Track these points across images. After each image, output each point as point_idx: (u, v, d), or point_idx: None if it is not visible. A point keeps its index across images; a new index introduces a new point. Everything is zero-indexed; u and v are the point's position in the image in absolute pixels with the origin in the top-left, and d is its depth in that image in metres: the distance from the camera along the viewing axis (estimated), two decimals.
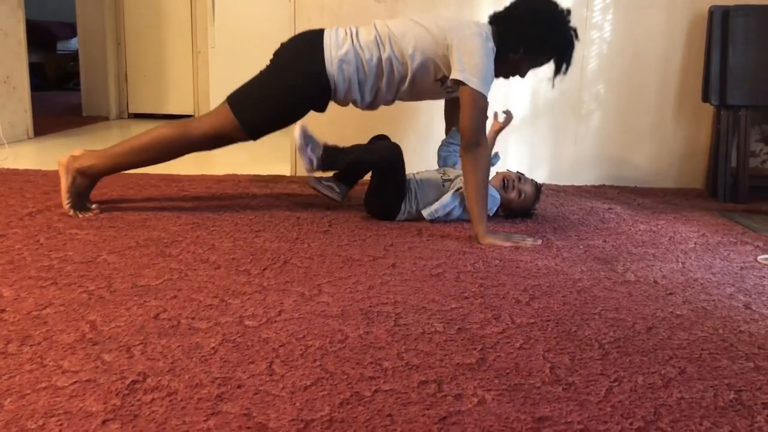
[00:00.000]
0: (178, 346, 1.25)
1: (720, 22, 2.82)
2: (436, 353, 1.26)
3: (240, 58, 4.78)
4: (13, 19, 3.65)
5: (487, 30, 2.13)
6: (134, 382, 1.11)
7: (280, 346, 1.26)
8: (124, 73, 5.10)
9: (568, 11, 2.16)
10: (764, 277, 1.80)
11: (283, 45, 2.25)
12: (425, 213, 2.23)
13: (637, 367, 1.23)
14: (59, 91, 7.02)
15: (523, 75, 2.25)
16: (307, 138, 2.17)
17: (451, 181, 2.26)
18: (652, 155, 3.03)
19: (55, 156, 2.21)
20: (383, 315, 1.43)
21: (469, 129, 2.04)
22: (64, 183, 2.15)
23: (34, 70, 5.06)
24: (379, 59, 2.13)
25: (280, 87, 2.16)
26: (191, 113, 5.11)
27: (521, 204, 2.33)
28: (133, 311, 1.41)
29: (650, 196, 2.83)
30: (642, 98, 3.00)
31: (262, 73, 2.21)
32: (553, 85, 2.21)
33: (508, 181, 2.31)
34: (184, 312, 1.41)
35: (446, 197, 2.22)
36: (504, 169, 2.46)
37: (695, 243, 2.12)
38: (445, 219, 2.25)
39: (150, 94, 5.11)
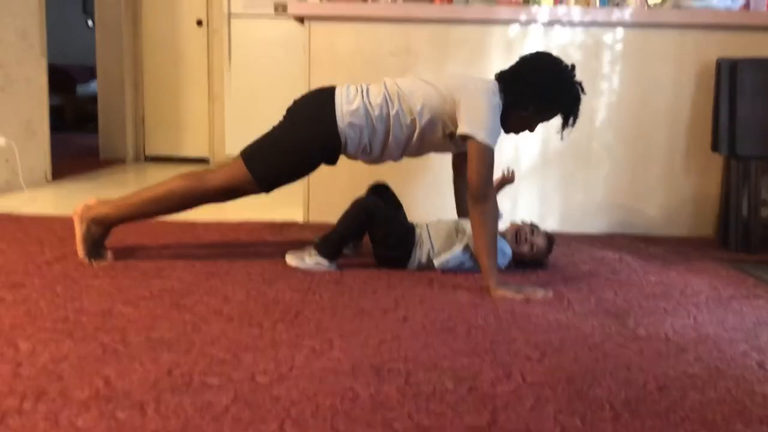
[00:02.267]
0: (191, 403, 1.26)
1: (728, 74, 2.86)
2: (446, 413, 1.26)
3: (255, 104, 4.89)
4: (37, 67, 3.76)
5: (494, 86, 2.18)
6: None
7: (291, 404, 1.27)
8: (142, 116, 5.21)
9: (573, 66, 2.21)
10: None
11: (296, 102, 2.32)
12: (436, 263, 2.24)
13: (649, 430, 1.23)
14: (77, 132, 7.15)
15: (532, 130, 2.30)
16: (299, 259, 2.24)
17: (464, 231, 2.28)
18: (663, 204, 3.04)
19: (73, 200, 2.26)
20: (394, 372, 1.44)
21: (477, 183, 2.08)
22: (79, 232, 2.19)
23: (54, 112, 5.17)
24: (388, 115, 2.19)
25: (292, 143, 2.22)
26: (206, 157, 5.19)
27: (533, 256, 2.34)
28: (147, 366, 1.42)
29: (661, 245, 2.83)
30: (651, 147, 3.02)
31: (275, 128, 2.27)
32: (561, 138, 2.25)
33: (521, 234, 2.33)
34: (197, 367, 1.43)
35: (456, 250, 2.24)
36: (517, 219, 2.48)
37: (707, 296, 2.12)
38: (456, 270, 2.26)
39: (166, 137, 5.21)
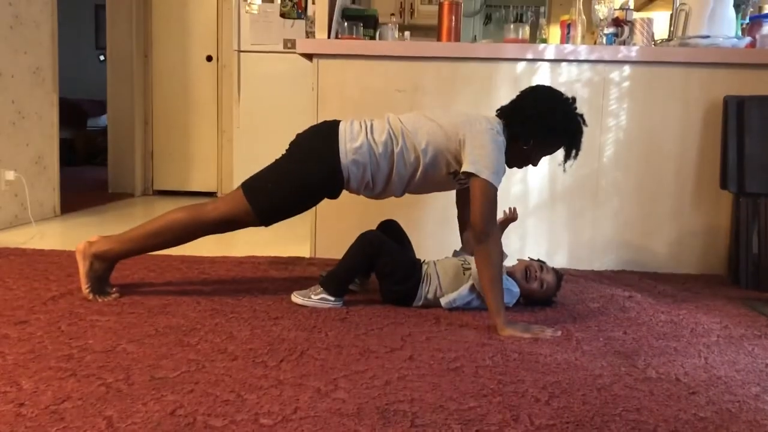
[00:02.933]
0: None
1: (735, 111, 2.86)
2: None
3: (264, 138, 4.92)
4: (48, 102, 3.81)
5: (498, 125, 2.19)
6: None
7: None
8: (151, 150, 5.25)
9: (573, 99, 2.22)
10: None
11: (299, 135, 2.32)
12: (443, 302, 2.22)
13: None
14: (87, 165, 7.22)
15: (535, 164, 2.30)
16: (304, 296, 2.23)
17: (471, 269, 2.26)
18: (672, 241, 3.02)
19: (81, 234, 2.27)
20: (400, 414, 1.42)
21: (480, 221, 2.06)
22: (82, 268, 2.19)
23: (64, 145, 5.23)
24: (392, 152, 2.19)
25: (294, 177, 2.22)
26: (215, 191, 5.22)
27: (543, 294, 2.32)
28: (150, 406, 1.41)
29: (671, 283, 2.80)
30: (660, 184, 3.01)
31: (277, 161, 2.28)
32: (564, 170, 2.25)
33: (531, 271, 2.31)
34: (200, 408, 1.41)
35: (463, 289, 2.22)
36: (525, 257, 2.47)
37: (718, 336, 2.09)
38: (463, 308, 2.24)
39: (175, 171, 5.25)
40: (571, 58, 2.96)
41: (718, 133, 2.95)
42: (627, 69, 2.97)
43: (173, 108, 5.23)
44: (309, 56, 3.06)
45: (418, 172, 2.22)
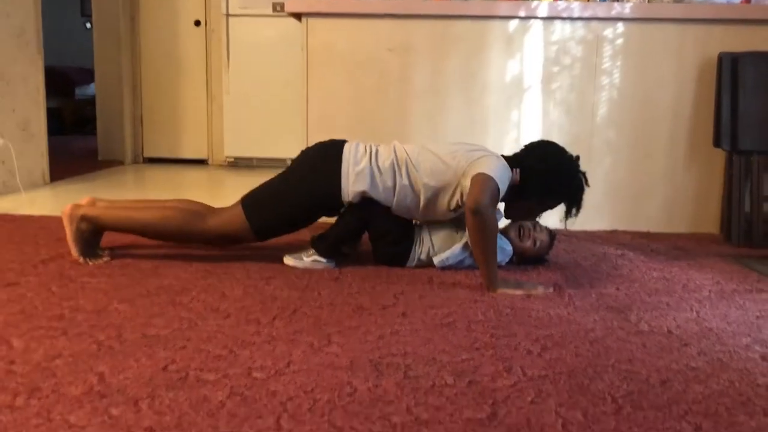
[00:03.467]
0: (186, 399, 1.24)
1: (729, 68, 2.84)
2: (446, 407, 1.24)
3: (254, 103, 4.87)
4: (33, 66, 3.74)
5: (503, 161, 2.17)
6: None
7: (288, 399, 1.25)
8: (140, 118, 5.19)
9: (577, 157, 2.24)
10: None
11: (303, 153, 2.32)
12: (436, 261, 2.22)
13: (652, 423, 1.21)
14: (76, 135, 7.14)
15: (534, 217, 2.32)
16: (297, 258, 2.23)
17: (464, 230, 2.25)
18: (665, 200, 3.02)
19: (70, 201, 2.23)
20: (393, 367, 1.42)
21: (476, 198, 1.98)
22: (69, 231, 2.17)
23: (52, 115, 5.16)
24: (394, 184, 2.18)
25: (293, 196, 2.21)
26: (205, 158, 5.17)
27: (536, 252, 2.32)
28: (142, 362, 1.40)
29: (663, 242, 2.81)
30: (653, 143, 3.00)
31: (278, 179, 2.26)
32: (565, 226, 2.24)
33: (524, 230, 2.31)
34: (192, 363, 1.41)
35: (457, 247, 2.21)
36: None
37: (710, 291, 2.10)
38: (456, 267, 2.24)
39: (165, 139, 5.19)
40: (565, 15, 2.92)
41: (712, 91, 2.93)
42: (621, 26, 2.94)
43: (162, 75, 5.15)
44: (298, 16, 3.01)
45: (420, 205, 2.20)
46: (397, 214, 2.25)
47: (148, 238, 2.29)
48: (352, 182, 2.16)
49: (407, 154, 2.21)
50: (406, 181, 2.17)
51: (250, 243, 2.27)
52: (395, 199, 2.19)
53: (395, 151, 2.22)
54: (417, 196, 2.19)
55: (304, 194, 2.20)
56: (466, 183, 2.09)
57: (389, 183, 2.17)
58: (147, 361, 1.41)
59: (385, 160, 2.19)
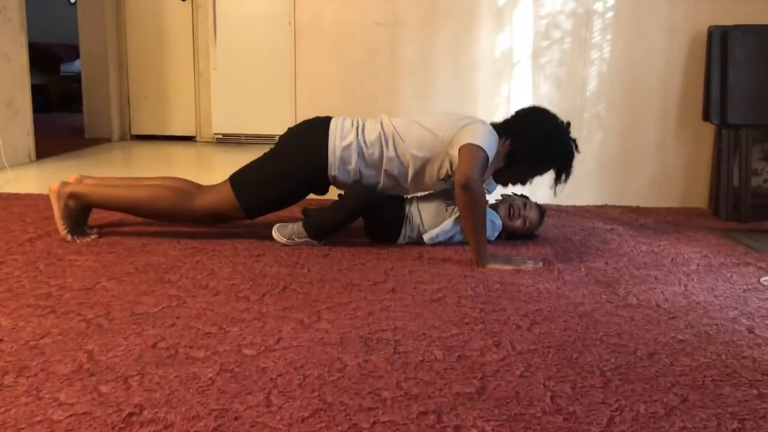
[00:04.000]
0: (176, 376, 1.24)
1: (719, 42, 2.83)
2: (435, 382, 1.25)
3: (242, 79, 4.82)
4: (17, 43, 3.68)
5: (491, 128, 2.16)
6: (130, 414, 1.10)
7: (278, 375, 1.25)
8: (127, 95, 5.13)
9: (568, 123, 2.21)
10: (767, 299, 1.79)
11: (289, 130, 2.30)
12: (426, 237, 2.22)
13: (639, 395, 1.22)
14: (62, 112, 7.05)
15: (524, 183, 2.30)
16: (288, 238, 2.20)
17: (453, 205, 2.25)
18: (654, 174, 3.03)
19: (57, 179, 2.21)
20: (383, 342, 1.42)
21: (465, 171, 1.99)
22: (57, 209, 2.15)
23: (38, 92, 5.09)
24: (381, 157, 2.16)
25: (281, 173, 2.19)
26: (193, 134, 5.13)
27: (525, 231, 2.33)
28: (131, 340, 1.40)
29: (652, 216, 2.82)
30: (643, 118, 3.00)
31: (266, 155, 2.24)
32: (555, 194, 2.25)
33: (514, 209, 2.30)
34: (182, 341, 1.40)
35: (447, 223, 2.21)
36: (509, 192, 2.46)
37: (698, 264, 2.11)
38: (446, 243, 2.24)
39: (152, 115, 5.14)
40: None
41: (702, 65, 2.92)
42: (611, 0, 2.91)
43: (148, 51, 5.09)
44: None
45: (408, 177, 2.19)
46: (389, 193, 2.24)
47: (136, 216, 2.27)
48: (339, 156, 2.15)
49: (394, 127, 2.20)
50: (393, 154, 2.16)
51: (240, 221, 2.26)
52: (383, 172, 2.18)
53: (382, 125, 2.21)
54: (405, 168, 2.18)
55: (292, 171, 2.19)
56: (454, 152, 2.08)
57: (376, 156, 2.16)
58: (136, 339, 1.41)
59: (371, 134, 2.18)
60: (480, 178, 2.02)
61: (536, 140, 2.17)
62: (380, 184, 2.22)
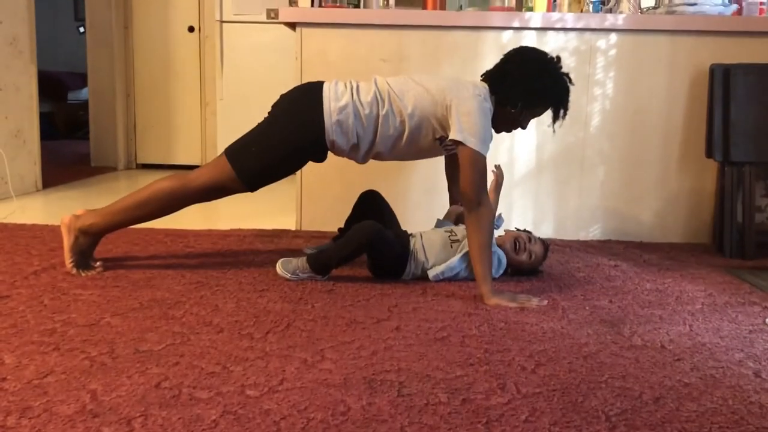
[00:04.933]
0: (179, 418, 1.23)
1: (721, 79, 2.86)
2: (440, 427, 1.24)
3: (248, 109, 4.83)
4: (26, 74, 3.73)
5: (485, 90, 2.16)
6: None
7: (281, 418, 1.25)
8: (133, 123, 5.17)
9: (558, 58, 2.20)
10: None
11: (282, 96, 2.28)
12: (431, 275, 2.22)
13: None
14: (69, 140, 7.11)
15: (524, 127, 2.27)
16: (292, 273, 2.19)
17: (459, 242, 2.25)
18: (658, 210, 3.03)
19: (63, 209, 2.23)
20: (386, 384, 1.42)
21: (470, 190, 2.05)
22: (67, 242, 2.16)
23: (45, 119, 5.13)
24: (377, 115, 2.15)
25: (277, 139, 2.17)
26: (199, 164, 5.15)
27: (530, 265, 2.33)
28: (135, 379, 1.40)
29: (656, 252, 2.81)
30: (646, 153, 3.01)
31: (260, 124, 2.23)
32: (554, 131, 2.24)
33: (520, 243, 2.30)
34: (185, 380, 1.40)
35: (454, 260, 2.21)
36: (511, 227, 2.46)
37: (702, 303, 2.10)
38: (450, 279, 2.24)
39: (158, 144, 5.17)
40: (558, 26, 2.93)
41: (704, 102, 2.94)
42: (614, 37, 2.95)
43: (155, 80, 5.14)
44: (292, 25, 3.01)
45: (404, 137, 2.17)
46: (393, 232, 2.24)
47: (146, 220, 2.25)
48: (335, 119, 2.13)
49: (389, 85, 2.18)
50: (389, 111, 2.14)
51: (241, 192, 2.22)
52: (379, 131, 2.16)
53: (377, 84, 2.19)
54: (402, 125, 2.15)
55: (288, 137, 2.17)
56: (452, 121, 2.09)
57: (372, 115, 2.14)
58: (140, 378, 1.40)
59: (366, 94, 2.16)
60: (484, 190, 2.07)
61: (529, 80, 2.14)
62: (377, 148, 2.19)
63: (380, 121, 2.15)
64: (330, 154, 2.26)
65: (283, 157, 2.20)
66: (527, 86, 2.15)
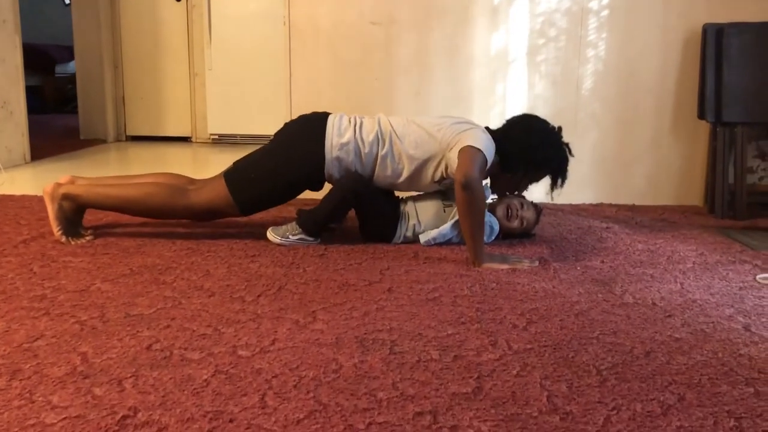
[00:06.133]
0: (170, 378, 1.23)
1: (714, 39, 2.83)
2: (431, 382, 1.24)
3: (237, 79, 4.81)
4: (11, 44, 3.67)
5: (488, 135, 2.17)
6: (125, 417, 1.09)
7: (273, 377, 1.25)
8: (122, 95, 5.12)
9: (560, 128, 2.25)
10: (763, 297, 1.79)
11: (286, 125, 2.29)
12: (422, 239, 2.21)
13: (636, 394, 1.22)
14: (57, 113, 7.03)
15: (521, 191, 2.32)
16: (282, 236, 2.19)
17: (452, 207, 2.24)
18: (650, 173, 3.03)
19: (52, 180, 2.20)
20: (378, 343, 1.42)
21: (465, 170, 1.98)
22: (51, 210, 2.14)
23: (33, 93, 5.07)
24: (376, 155, 2.17)
25: (278, 169, 2.18)
26: (188, 135, 5.11)
27: (522, 230, 2.32)
28: (126, 342, 1.39)
29: (648, 214, 2.82)
30: (638, 116, 2.99)
31: (262, 151, 2.24)
32: (552, 198, 2.28)
33: (512, 209, 2.30)
34: (176, 342, 1.40)
35: (446, 227, 2.20)
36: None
37: (693, 262, 2.11)
38: (442, 243, 2.23)
39: (147, 116, 5.12)
40: None
41: (697, 63, 2.92)
42: None
43: (143, 51, 5.07)
44: None
45: (402, 177, 2.19)
46: (383, 188, 2.24)
47: (131, 215, 2.26)
48: (336, 156, 2.15)
49: (392, 126, 2.19)
50: (389, 153, 2.16)
51: (235, 217, 2.24)
52: (377, 170, 2.18)
53: (380, 124, 2.20)
54: (401, 167, 2.18)
55: (288, 168, 2.18)
56: (453, 156, 2.08)
57: (372, 154, 2.16)
58: (131, 341, 1.40)
59: (369, 133, 2.17)
60: (480, 177, 2.02)
61: (531, 147, 2.18)
62: (375, 182, 2.22)
63: (378, 161, 2.17)
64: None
65: (281, 187, 2.21)
66: (530, 154, 2.19)
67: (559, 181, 2.24)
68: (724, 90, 2.80)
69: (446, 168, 2.15)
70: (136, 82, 5.11)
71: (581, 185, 3.03)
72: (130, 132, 5.16)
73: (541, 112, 2.96)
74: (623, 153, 3.02)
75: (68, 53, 7.00)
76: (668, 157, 3.01)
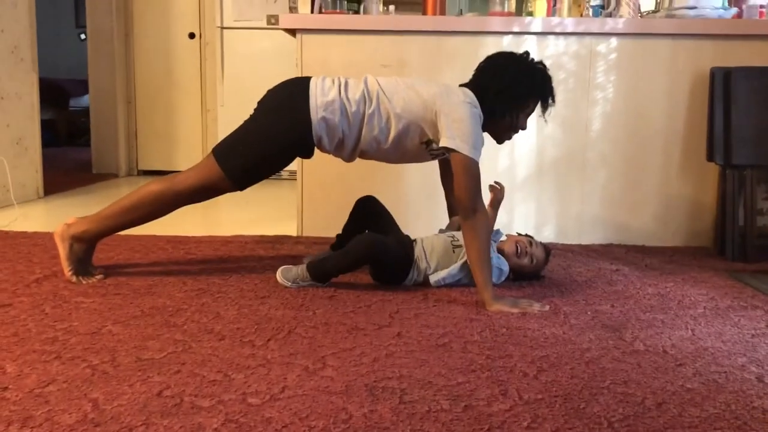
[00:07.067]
0: (181, 427, 1.23)
1: (722, 83, 2.85)
2: None
3: (248, 115, 4.86)
4: (27, 82, 3.74)
5: (473, 97, 2.15)
6: None
7: (283, 427, 1.24)
8: (134, 130, 5.19)
9: (527, 53, 2.21)
10: None
11: (268, 92, 2.26)
12: (432, 280, 2.21)
13: None
14: (70, 146, 7.12)
15: (524, 127, 2.27)
16: (292, 281, 2.19)
17: (461, 247, 2.24)
18: (659, 214, 3.03)
19: (64, 216, 2.22)
20: (388, 391, 1.41)
21: (465, 197, 2.04)
22: (62, 252, 2.16)
23: (46, 127, 5.14)
24: (363, 114, 2.14)
25: (263, 135, 2.16)
26: None
27: (532, 269, 2.32)
28: (137, 388, 1.40)
29: (658, 256, 2.81)
30: (647, 157, 3.01)
31: (246, 121, 2.21)
32: (546, 121, 2.26)
33: (521, 247, 2.30)
34: (187, 389, 1.40)
35: (454, 267, 2.21)
36: (513, 232, 2.46)
37: (704, 307, 2.10)
38: (452, 284, 2.24)
39: (159, 151, 5.18)
40: (558, 30, 2.93)
41: (705, 105, 2.94)
42: (614, 41, 2.95)
43: (156, 87, 5.16)
44: (292, 32, 3.01)
45: (390, 138, 2.16)
46: (399, 236, 2.24)
47: (136, 224, 2.24)
48: (321, 116, 2.11)
49: (379, 85, 2.17)
50: (375, 111, 2.13)
51: (231, 192, 2.21)
52: (364, 130, 2.15)
53: (366, 83, 2.18)
54: (387, 128, 2.15)
55: (275, 134, 2.15)
56: (441, 125, 2.08)
57: (359, 113, 2.13)
58: (141, 387, 1.40)
59: (355, 92, 2.15)
60: (479, 198, 2.06)
61: (507, 87, 2.15)
62: (362, 146, 2.18)
63: (365, 119, 2.14)
64: (324, 155, 2.25)
65: (271, 154, 2.18)
66: (509, 93, 2.16)
67: (549, 100, 2.19)
68: (733, 133, 2.82)
69: (432, 132, 2.13)
70: (148, 117, 5.18)
71: (590, 225, 3.04)
72: (142, 166, 5.22)
73: (550, 153, 3.00)
74: (632, 194, 3.03)
75: (82, 87, 7.12)
76: (677, 199, 3.02)
